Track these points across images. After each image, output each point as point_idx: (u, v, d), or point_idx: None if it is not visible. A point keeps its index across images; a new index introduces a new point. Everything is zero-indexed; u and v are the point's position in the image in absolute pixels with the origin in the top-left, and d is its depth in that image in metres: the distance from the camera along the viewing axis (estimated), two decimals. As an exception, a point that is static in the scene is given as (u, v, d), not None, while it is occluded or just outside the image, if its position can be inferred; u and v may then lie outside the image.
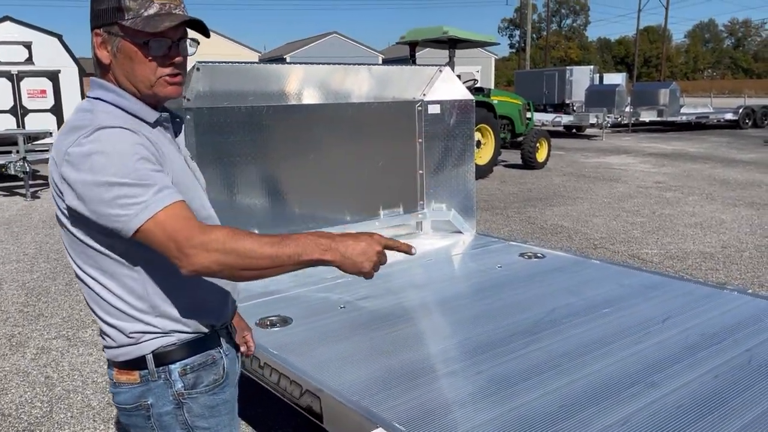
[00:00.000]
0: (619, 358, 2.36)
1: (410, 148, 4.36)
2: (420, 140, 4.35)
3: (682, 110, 22.30)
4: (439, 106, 4.28)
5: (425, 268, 3.69)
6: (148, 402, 1.35)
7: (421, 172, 4.41)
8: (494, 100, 11.92)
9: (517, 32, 75.44)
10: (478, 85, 12.62)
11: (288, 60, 27.33)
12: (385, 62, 24.36)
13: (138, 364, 1.34)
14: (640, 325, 2.68)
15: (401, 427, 1.85)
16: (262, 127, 3.64)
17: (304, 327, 2.70)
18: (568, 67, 26.65)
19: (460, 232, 4.41)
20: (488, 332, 2.64)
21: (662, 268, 5.50)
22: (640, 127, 22.27)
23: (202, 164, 3.39)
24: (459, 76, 11.43)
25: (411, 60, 11.94)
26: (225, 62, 3.34)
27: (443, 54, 11.21)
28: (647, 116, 21.20)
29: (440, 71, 4.19)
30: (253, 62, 3.71)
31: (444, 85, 4.26)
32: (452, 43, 11.02)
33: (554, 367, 2.29)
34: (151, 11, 1.26)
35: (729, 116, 21.89)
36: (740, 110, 21.96)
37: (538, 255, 3.83)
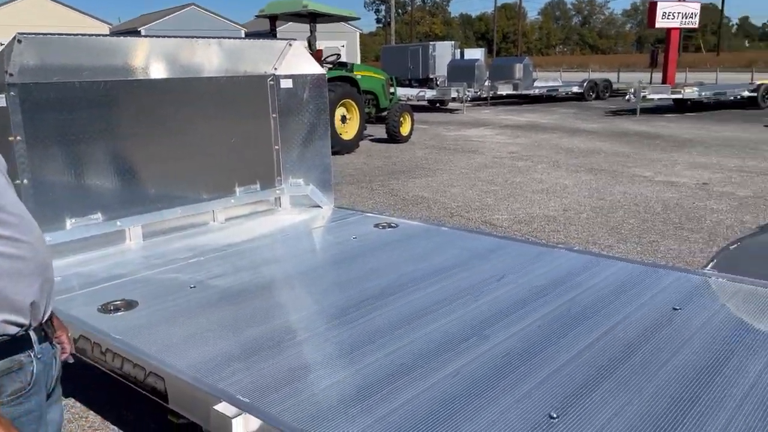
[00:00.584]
0: (458, 316, 2.53)
1: (265, 123, 4.32)
2: (274, 115, 4.32)
3: (536, 84, 23.75)
4: (291, 80, 4.26)
5: (282, 243, 3.71)
6: None
7: (277, 147, 4.39)
8: (357, 75, 12.01)
9: (384, 7, 76.22)
10: (342, 60, 12.65)
11: (143, 33, 25.72)
12: (248, 36, 23.64)
13: None
14: (478, 284, 2.88)
15: (244, 398, 1.88)
16: (103, 104, 3.44)
17: (151, 309, 2.63)
18: (431, 43, 27.40)
19: (319, 207, 4.46)
20: (338, 301, 2.72)
21: (511, 231, 5.90)
22: (498, 101, 23.44)
23: (33, 145, 3.16)
24: (321, 51, 11.36)
25: (272, 34, 11.71)
26: (51, 33, 3.11)
27: (307, 28, 11.11)
28: (504, 90, 22.35)
29: (290, 45, 4.17)
30: (87, 34, 3.49)
31: (295, 60, 4.24)
32: (312, 17, 10.94)
33: (397, 328, 2.41)
34: None
35: (576, 89, 23.62)
36: (585, 84, 23.77)
37: (392, 225, 3.97)
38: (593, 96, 23.74)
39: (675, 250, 5.23)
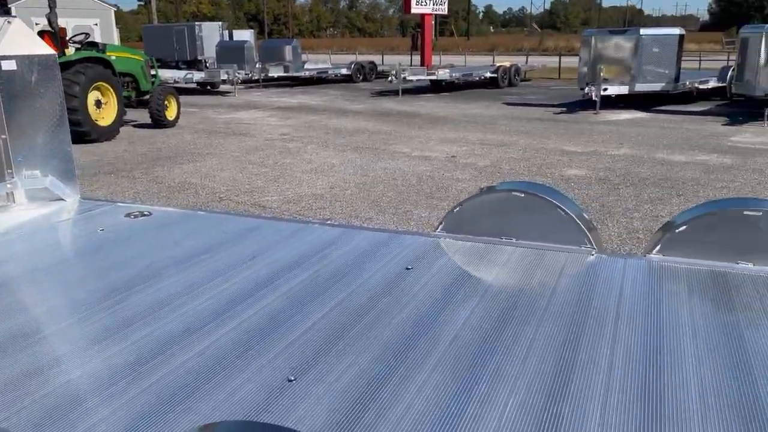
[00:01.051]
0: (208, 298, 2.54)
1: (-13, 110, 3.84)
2: (-3, 101, 3.86)
3: (306, 66, 24.16)
4: (14, 61, 3.84)
5: (19, 240, 3.36)
6: None
7: (4, 136, 3.94)
8: (111, 56, 11.15)
9: (143, -17, 71.17)
10: (93, 39, 11.61)
11: None
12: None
13: None
14: (231, 265, 2.92)
15: (-43, 413, 1.71)
16: None
17: None
18: (197, 23, 26.34)
19: (62, 199, 4.11)
20: (81, 296, 2.57)
21: (280, 212, 6.02)
22: (270, 83, 23.42)
23: None
24: (64, 29, 10.31)
25: (3, 9, 10.31)
26: None
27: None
28: (275, 72, 22.38)
29: (9, 23, 3.75)
30: None
31: (18, 39, 3.82)
32: (52, -8, 9.86)
33: (145, 317, 2.36)
34: None
35: (344, 71, 24.51)
36: (353, 66, 24.78)
37: (145, 213, 3.82)
38: (361, 78, 24.86)
39: (426, 217, 5.78)
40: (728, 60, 18.94)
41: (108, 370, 1.97)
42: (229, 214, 3.95)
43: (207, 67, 22.86)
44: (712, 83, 15.63)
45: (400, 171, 7.87)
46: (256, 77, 22.36)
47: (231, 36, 27.99)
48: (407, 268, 2.83)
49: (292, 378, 1.91)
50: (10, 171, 4.00)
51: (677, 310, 2.24)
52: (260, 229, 3.55)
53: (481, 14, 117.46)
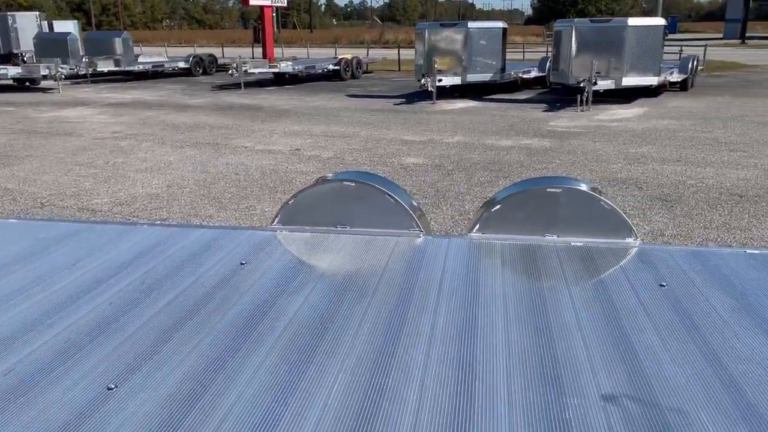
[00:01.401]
0: (21, 311, 2.34)
1: None
2: None
3: (140, 59, 22.80)
4: None
5: None
6: None
7: None
8: None
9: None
10: None
11: None
12: None
13: None
14: (49, 273, 2.71)
15: None
16: None
17: None
18: (9, 13, 23.86)
19: None
20: None
21: (111, 215, 5.66)
22: (100, 78, 21.82)
23: None
24: None
25: None
26: None
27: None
28: (104, 66, 20.89)
29: None
30: None
31: None
32: None
33: (-60, 340, 2.12)
34: None
35: (182, 65, 23.46)
36: (191, 59, 23.79)
37: (-56, 224, 3.41)
38: (200, 71, 23.94)
39: (269, 212, 5.74)
40: (547, 52, 20.76)
41: None
42: (45, 220, 3.64)
43: (24, 62, 20.79)
44: (534, 73, 17.00)
45: (243, 166, 7.72)
46: (83, 72, 20.70)
47: (51, 27, 25.67)
48: (242, 263, 2.79)
49: (113, 386, 1.82)
50: None
51: (492, 282, 2.43)
52: (82, 233, 3.32)
53: (323, 6, 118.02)
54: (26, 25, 23.33)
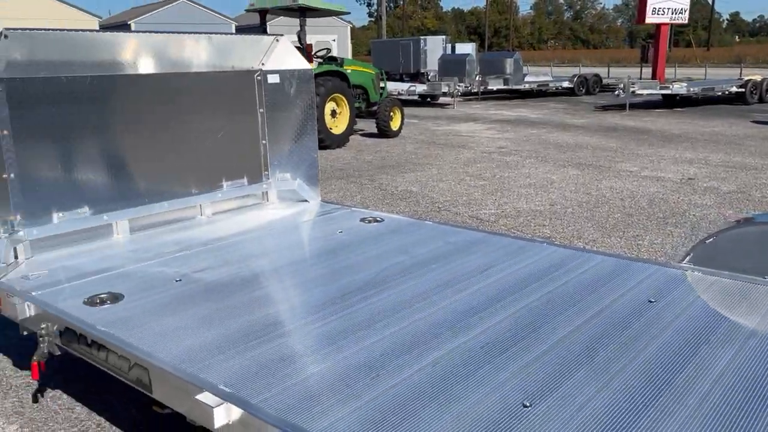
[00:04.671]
0: (438, 308, 2.58)
1: (252, 118, 4.35)
2: (261, 110, 4.36)
3: (526, 79, 23.82)
4: (278, 75, 4.30)
5: (268, 237, 3.74)
6: None
7: (264, 142, 4.43)
8: (348, 69, 12.04)
9: (375, 1, 75.85)
10: (333, 54, 12.67)
11: (133, 27, 25.57)
12: (239, 30, 23.53)
13: None
14: (459, 277, 2.94)
15: (227, 388, 1.92)
16: (90, 98, 3.47)
17: (136, 303, 2.67)
18: (422, 37, 27.42)
19: (306, 201, 4.50)
20: (322, 294, 2.77)
21: (497, 226, 5.96)
22: (488, 95, 23.52)
23: (19, 139, 3.19)
24: (311, 45, 11.35)
25: (262, 28, 11.71)
26: (38, 28, 3.13)
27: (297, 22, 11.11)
28: (495, 84, 22.41)
29: (277, 41, 4.20)
30: (74, 29, 3.50)
31: (282, 55, 4.28)
32: (302, 12, 10.94)
33: (379, 320, 2.46)
34: None
35: (566, 84, 23.73)
36: (575, 79, 23.88)
37: (378, 219, 4.02)
38: (583, 91, 23.86)
39: (658, 244, 5.31)
40: None
41: (344, 370, 2.08)
42: (453, 226, 3.99)
43: (429, 80, 23.65)
44: None
45: (628, 191, 7.35)
46: (475, 90, 22.60)
47: (453, 49, 28.70)
48: (650, 301, 2.59)
49: (528, 404, 1.84)
50: (266, 173, 4.47)
51: None
52: (485, 243, 3.53)
53: (726, 22, 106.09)
54: (434, 47, 26.51)
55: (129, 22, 24.10)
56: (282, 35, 4.17)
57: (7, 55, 3.02)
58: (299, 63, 4.27)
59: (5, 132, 3.13)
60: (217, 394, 1.89)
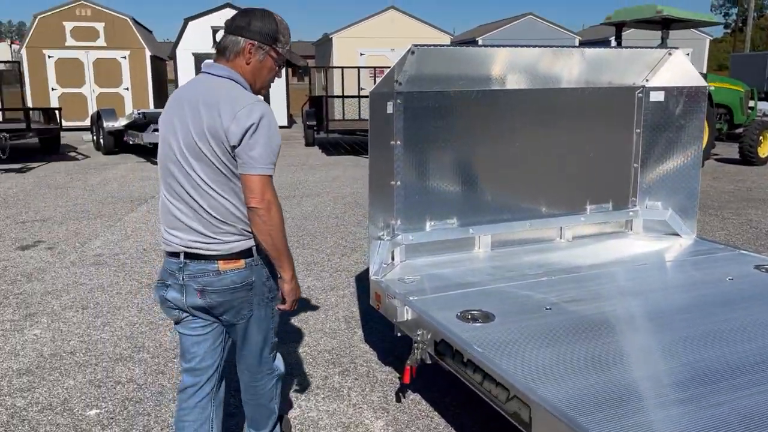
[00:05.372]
0: None
1: (626, 138, 4.00)
2: (638, 130, 3.97)
3: None
4: (663, 92, 3.85)
5: (637, 273, 3.35)
6: (252, 279, 2.07)
7: (636, 165, 4.03)
8: (711, 86, 10.69)
9: (734, 10, 67.26)
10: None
11: (480, 43, 26.86)
12: (582, 44, 22.89)
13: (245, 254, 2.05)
14: None
15: (627, 457, 1.65)
16: (468, 113, 3.54)
17: (508, 326, 2.56)
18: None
19: (677, 235, 3.96)
20: (719, 357, 2.30)
21: None
22: None
23: (408, 149, 3.38)
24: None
25: (617, 42, 11.10)
26: (438, 45, 3.27)
27: (649, 35, 10.26)
28: None
29: (670, 54, 3.75)
30: (465, 45, 3.60)
31: (672, 70, 3.81)
32: (665, 24, 10.02)
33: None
34: (287, 47, 2.11)
35: None
36: None
37: (778, 268, 3.30)
38: None
39: None
40: None
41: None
42: None
43: None
44: None
45: None
46: None
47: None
48: None
49: None
50: (633, 199, 4.07)
51: None
52: None
53: None
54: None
55: (477, 39, 25.43)
56: (677, 48, 3.70)
57: (411, 70, 3.21)
58: (692, 79, 3.75)
59: (398, 142, 3.34)
60: (615, 460, 1.63)
